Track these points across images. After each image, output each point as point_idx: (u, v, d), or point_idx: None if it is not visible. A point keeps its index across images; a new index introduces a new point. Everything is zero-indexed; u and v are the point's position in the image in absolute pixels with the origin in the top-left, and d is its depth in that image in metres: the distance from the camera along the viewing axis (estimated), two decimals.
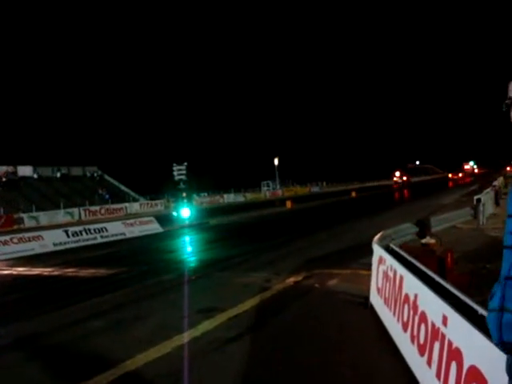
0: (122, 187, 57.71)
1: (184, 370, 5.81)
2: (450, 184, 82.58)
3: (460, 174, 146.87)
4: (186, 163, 29.68)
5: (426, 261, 6.97)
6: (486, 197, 19.71)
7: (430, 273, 5.50)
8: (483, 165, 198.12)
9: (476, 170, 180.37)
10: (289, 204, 42.80)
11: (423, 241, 10.32)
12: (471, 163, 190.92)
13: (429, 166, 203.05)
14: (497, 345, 1.86)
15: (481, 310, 3.62)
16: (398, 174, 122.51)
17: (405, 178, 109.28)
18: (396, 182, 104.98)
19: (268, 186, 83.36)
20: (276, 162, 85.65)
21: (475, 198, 18.32)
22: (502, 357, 2.64)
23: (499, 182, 33.42)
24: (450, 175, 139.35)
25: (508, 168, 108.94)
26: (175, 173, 29.57)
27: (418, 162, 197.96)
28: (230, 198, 67.67)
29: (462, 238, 14.52)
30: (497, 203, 23.35)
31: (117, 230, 23.99)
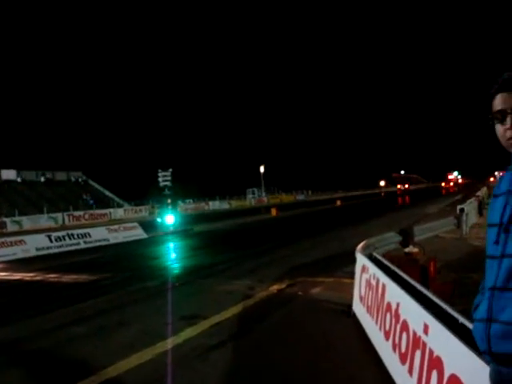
0: (107, 193, 57.47)
1: (166, 377, 5.78)
2: (444, 192, 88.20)
3: (451, 184, 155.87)
4: (171, 169, 29.62)
5: (408, 270, 7.01)
6: (470, 207, 19.85)
7: (412, 282, 5.53)
8: (467, 175, 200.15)
9: (460, 180, 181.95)
10: (274, 212, 42.81)
11: (406, 250, 10.35)
12: (455, 173, 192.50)
13: (414, 176, 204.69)
14: (484, 354, 1.87)
15: (462, 319, 3.64)
16: (383, 183, 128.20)
17: (406, 186, 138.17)
18: (399, 188, 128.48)
19: (253, 193, 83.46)
20: (262, 169, 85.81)
21: (458, 207, 18.44)
22: (482, 366, 2.65)
23: (483, 192, 33.66)
24: (443, 184, 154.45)
25: (492, 179, 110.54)
26: (160, 179, 29.49)
27: (402, 172, 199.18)
28: (215, 205, 67.67)
29: (445, 248, 14.60)
30: (480, 213, 23.54)
31: (100, 235, 23.86)
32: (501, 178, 2.07)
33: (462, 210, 17.79)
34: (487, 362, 1.96)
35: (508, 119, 1.87)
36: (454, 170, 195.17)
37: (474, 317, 1.97)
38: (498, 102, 1.91)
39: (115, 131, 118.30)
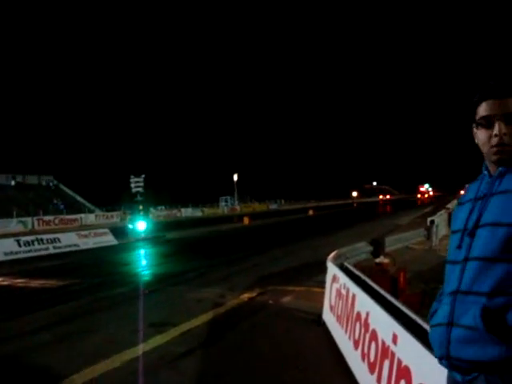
0: (78, 198, 56.86)
1: None
2: (419, 202, 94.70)
3: (426, 195, 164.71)
4: (143, 175, 29.36)
5: (379, 280, 7.05)
6: (440, 219, 20.10)
7: (382, 292, 5.55)
8: (438, 188, 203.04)
9: (431, 193, 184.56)
10: (246, 220, 42.75)
11: (377, 260, 10.44)
12: (426, 186, 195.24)
13: (385, 187, 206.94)
14: (441, 359, 1.86)
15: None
16: (355, 194, 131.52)
17: (388, 197, 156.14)
18: (382, 199, 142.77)
19: (226, 201, 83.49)
20: (235, 177, 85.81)
21: (429, 219, 18.66)
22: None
23: (453, 204, 34.10)
24: (419, 195, 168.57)
25: (462, 192, 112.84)
26: (132, 185, 29.19)
27: (375, 183, 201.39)
28: (187, 212, 67.35)
29: (415, 259, 14.77)
30: (450, 225, 23.83)
31: (70, 240, 23.53)
32: (469, 186, 2.08)
33: (432, 222, 18.00)
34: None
35: (496, 126, 1.87)
36: (425, 183, 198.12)
37: (432, 323, 1.96)
38: (485, 109, 1.92)
39: (88, 136, 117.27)
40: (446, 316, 1.83)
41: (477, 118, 1.97)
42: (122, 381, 5.83)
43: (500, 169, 1.88)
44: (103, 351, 6.89)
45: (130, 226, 29.91)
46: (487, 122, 1.91)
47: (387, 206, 76.40)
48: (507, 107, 1.87)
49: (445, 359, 1.83)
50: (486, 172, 1.97)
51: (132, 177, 29.27)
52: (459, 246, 1.88)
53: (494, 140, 1.87)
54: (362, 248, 11.58)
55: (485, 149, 1.93)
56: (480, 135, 1.95)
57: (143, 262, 19.26)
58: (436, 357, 1.90)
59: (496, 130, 1.87)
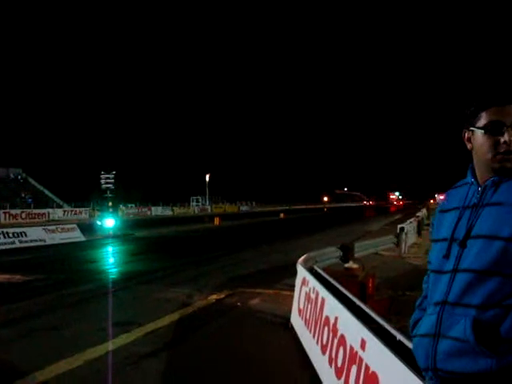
0: (47, 192, 55.91)
1: None
2: (393, 209, 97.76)
3: (401, 202, 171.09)
4: (114, 172, 29.10)
5: (348, 285, 7.06)
6: (410, 226, 20.29)
7: (351, 297, 5.54)
8: (407, 196, 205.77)
9: (401, 202, 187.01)
10: (217, 221, 42.69)
11: (346, 265, 10.46)
12: (396, 193, 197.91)
13: (356, 194, 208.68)
14: (426, 370, 1.82)
15: (399, 336, 3.64)
16: (326, 198, 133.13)
17: (371, 202, 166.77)
18: (365, 204, 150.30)
19: (197, 201, 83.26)
20: (207, 178, 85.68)
21: (399, 226, 18.81)
22: (418, 382, 2.64)
23: (423, 213, 34.53)
24: (394, 202, 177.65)
25: (431, 201, 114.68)
26: (103, 181, 28.93)
27: (346, 189, 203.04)
28: (157, 210, 66.94)
29: (384, 265, 14.86)
30: (419, 233, 24.09)
31: (37, 235, 23.12)
32: (450, 192, 2.05)
33: (402, 229, 18.16)
34: (425, 379, 1.91)
35: (506, 133, 1.81)
36: (395, 191, 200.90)
37: (415, 332, 1.93)
38: (494, 113, 1.85)
39: (59, 130, 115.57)
40: (433, 327, 1.80)
41: (480, 122, 1.89)
42: (85, 380, 5.72)
43: (493, 178, 1.84)
44: (67, 349, 6.73)
45: (99, 223, 29.61)
46: (495, 129, 1.84)
47: (371, 210, 79.21)
48: None
49: (430, 371, 1.79)
50: (472, 179, 1.93)
51: (102, 173, 28.98)
52: (446, 256, 1.84)
53: (503, 147, 1.81)
54: (332, 253, 11.59)
55: (487, 155, 1.85)
56: (482, 141, 1.87)
57: (111, 259, 19.02)
58: (420, 367, 1.87)
59: (506, 138, 1.81)
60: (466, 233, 1.80)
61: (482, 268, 1.71)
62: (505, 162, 1.81)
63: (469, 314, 1.70)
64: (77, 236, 25.07)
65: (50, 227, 24.84)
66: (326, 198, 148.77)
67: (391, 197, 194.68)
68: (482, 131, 1.87)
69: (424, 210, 40.18)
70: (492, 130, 1.84)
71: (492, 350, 1.63)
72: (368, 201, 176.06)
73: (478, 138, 1.89)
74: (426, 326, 1.86)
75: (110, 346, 6.94)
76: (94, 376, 5.82)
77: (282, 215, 59.01)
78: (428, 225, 29.53)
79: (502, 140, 1.81)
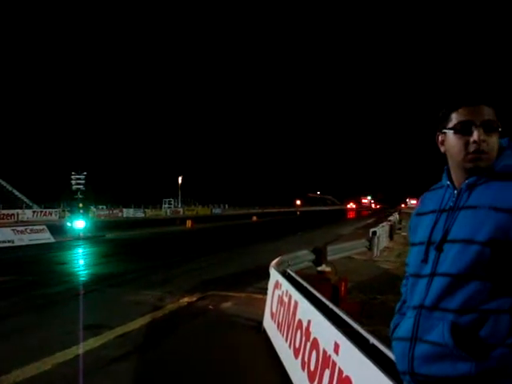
0: (16, 193, 55.04)
1: None
2: (367, 213, 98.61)
3: (378, 206, 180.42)
4: (85, 173, 28.75)
5: (320, 288, 7.03)
6: (382, 230, 20.45)
7: (324, 300, 5.51)
8: (379, 200, 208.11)
9: (373, 205, 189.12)
10: (189, 223, 42.57)
11: (319, 268, 10.47)
12: (369, 197, 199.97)
13: (328, 197, 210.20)
14: (404, 374, 1.81)
15: (372, 339, 3.62)
16: (299, 202, 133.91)
17: (354, 206, 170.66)
18: (350, 208, 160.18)
19: (170, 203, 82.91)
20: (180, 180, 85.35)
21: (371, 230, 18.95)
22: None
23: (394, 217, 34.88)
24: (373, 206, 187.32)
25: (403, 205, 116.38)
26: (73, 182, 28.53)
27: (318, 193, 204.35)
28: (129, 212, 66.46)
29: (356, 269, 14.92)
30: (391, 237, 24.30)
31: (5, 236, 22.68)
32: (426, 195, 2.04)
33: (374, 233, 18.28)
34: (402, 383, 1.89)
35: (475, 132, 1.81)
36: (368, 195, 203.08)
37: (394, 335, 1.92)
38: (463, 114, 1.86)
39: (30, 129, 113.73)
40: (410, 330, 1.80)
41: (451, 123, 1.90)
42: None
43: (468, 181, 1.84)
44: (34, 353, 6.58)
45: (69, 224, 29.22)
46: (464, 128, 1.85)
47: (352, 212, 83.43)
48: (485, 114, 1.83)
49: (408, 375, 1.79)
50: (448, 182, 1.93)
51: (73, 174, 28.61)
52: (424, 260, 1.83)
53: (473, 146, 1.82)
54: (305, 256, 11.60)
55: (459, 156, 1.86)
56: (454, 141, 1.88)
57: (80, 261, 18.74)
58: (398, 371, 1.86)
59: (475, 137, 1.81)
60: (442, 237, 1.80)
61: (459, 272, 1.71)
62: (477, 161, 1.81)
63: (446, 319, 1.69)
64: (46, 237, 24.69)
65: (18, 228, 24.42)
66: (298, 202, 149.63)
67: (363, 201, 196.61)
68: (452, 132, 1.88)
69: (396, 215, 40.60)
70: (462, 129, 1.85)
71: (472, 354, 1.62)
72: (353, 204, 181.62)
73: (449, 139, 1.90)
74: (403, 329, 1.86)
75: (80, 349, 6.81)
76: (63, 380, 5.70)
77: (254, 218, 59.14)
78: (400, 229, 29.87)
79: (472, 139, 1.81)
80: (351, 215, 68.67)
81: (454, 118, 1.88)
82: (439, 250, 1.79)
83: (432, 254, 1.81)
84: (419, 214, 2.00)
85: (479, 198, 1.77)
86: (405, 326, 1.85)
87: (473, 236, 1.70)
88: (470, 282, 1.68)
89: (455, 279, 1.71)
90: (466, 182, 1.83)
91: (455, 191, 1.87)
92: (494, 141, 1.82)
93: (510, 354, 1.60)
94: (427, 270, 1.82)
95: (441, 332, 1.69)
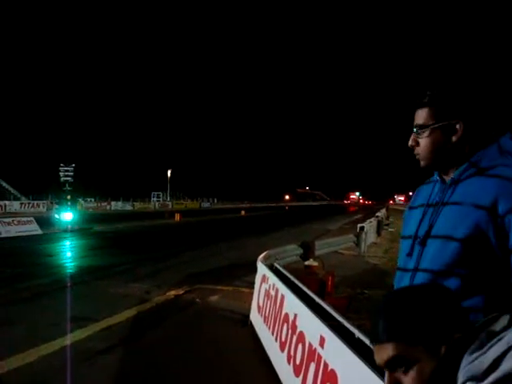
0: (4, 184, 54.57)
1: (49, 380, 5.45)
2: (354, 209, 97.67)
3: (370, 202, 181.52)
4: (73, 165, 28.53)
5: (307, 282, 7.04)
6: (369, 226, 20.51)
7: (311, 294, 5.52)
8: (368, 196, 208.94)
9: (361, 201, 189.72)
10: (178, 217, 42.50)
11: (306, 263, 10.47)
12: (357, 193, 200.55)
13: (317, 193, 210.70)
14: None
15: (358, 334, 3.63)
16: (287, 197, 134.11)
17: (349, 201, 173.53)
18: (348, 203, 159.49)
19: (158, 197, 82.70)
20: (169, 173, 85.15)
21: (359, 226, 19.00)
22: (376, 381, 2.62)
23: (382, 213, 34.98)
24: (366, 202, 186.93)
25: (391, 201, 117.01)
26: (61, 173, 28.31)
27: (307, 188, 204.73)
28: (117, 205, 66.21)
29: (344, 264, 14.96)
30: (378, 233, 24.38)
31: None
32: (420, 188, 2.05)
33: (361, 229, 18.34)
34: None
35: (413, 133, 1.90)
36: (356, 191, 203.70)
37: None
38: (415, 117, 1.91)
39: (19, 120, 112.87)
40: None
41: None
42: (38, 376, 5.55)
43: (453, 176, 1.85)
44: (19, 344, 6.54)
45: (56, 216, 29.02)
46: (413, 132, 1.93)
47: (352, 207, 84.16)
48: (418, 118, 1.88)
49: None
50: (438, 177, 1.94)
51: (61, 165, 28.39)
52: (410, 254, 1.85)
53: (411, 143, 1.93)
54: (292, 250, 11.62)
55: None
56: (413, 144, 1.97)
57: (68, 253, 18.62)
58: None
59: (409, 142, 1.93)
60: (426, 232, 1.81)
61: (439, 269, 1.72)
62: (420, 161, 1.91)
63: None
64: (34, 229, 24.51)
65: (5, 219, 24.20)
66: (287, 197, 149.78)
67: (352, 197, 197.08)
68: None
69: (383, 210, 40.74)
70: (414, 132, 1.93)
71: None
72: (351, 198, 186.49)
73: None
74: None
75: (65, 341, 6.79)
76: (48, 371, 5.68)
77: (243, 213, 59.10)
78: (387, 225, 29.99)
79: (412, 138, 1.92)
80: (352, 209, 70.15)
81: (416, 120, 1.94)
82: (423, 244, 1.80)
83: (417, 249, 1.82)
84: (411, 208, 2.02)
85: (463, 194, 1.77)
86: None
87: (452, 233, 1.71)
88: (448, 279, 1.69)
89: (435, 276, 1.72)
90: (452, 177, 1.85)
91: (443, 186, 1.88)
92: (421, 142, 1.89)
93: None
94: (411, 264, 1.83)
95: None
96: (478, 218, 1.67)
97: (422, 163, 1.89)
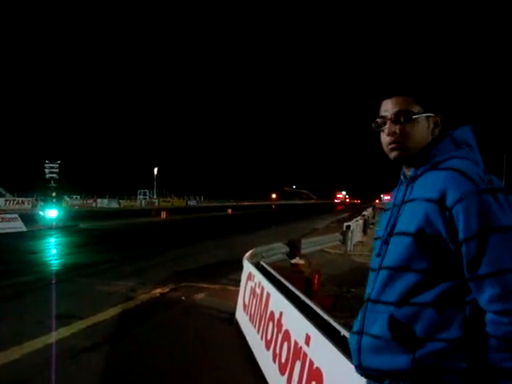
0: None
1: (33, 378, 5.39)
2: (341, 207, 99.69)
3: (358, 201, 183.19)
4: (59, 161, 28.35)
5: (293, 280, 7.03)
6: (355, 224, 20.56)
7: (297, 292, 5.51)
8: (354, 195, 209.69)
9: (347, 200, 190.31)
10: (164, 215, 42.40)
11: (293, 261, 10.48)
12: (343, 192, 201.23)
13: (304, 191, 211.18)
14: (356, 368, 1.84)
15: (343, 331, 3.62)
16: (274, 196, 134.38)
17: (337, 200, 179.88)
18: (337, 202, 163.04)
19: (145, 194, 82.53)
20: (155, 171, 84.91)
21: (345, 224, 19.04)
22: (362, 380, 2.61)
23: (368, 212, 35.11)
24: (355, 201, 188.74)
25: (377, 201, 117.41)
26: (47, 170, 28.12)
27: (294, 187, 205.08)
28: (103, 203, 65.96)
29: (330, 262, 15.00)
30: (364, 232, 24.45)
31: None
32: (394, 191, 2.05)
33: (348, 227, 18.38)
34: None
35: (387, 125, 1.86)
36: (343, 190, 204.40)
37: (352, 330, 1.95)
38: (381, 109, 1.91)
39: (3, 117, 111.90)
40: (359, 324, 1.83)
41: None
42: (21, 374, 5.49)
43: (410, 173, 1.87)
44: (3, 342, 6.47)
45: (41, 213, 28.85)
46: (383, 124, 1.90)
47: (339, 206, 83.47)
48: (397, 106, 1.85)
49: (358, 368, 1.82)
50: (402, 178, 1.96)
51: (47, 162, 28.20)
52: (378, 254, 1.86)
53: (387, 139, 1.87)
54: (279, 248, 11.62)
55: (384, 148, 1.91)
56: (381, 137, 1.93)
57: (52, 250, 18.49)
58: (353, 364, 1.88)
59: (386, 130, 1.86)
60: (389, 231, 1.83)
61: (395, 265, 1.74)
62: (392, 151, 1.87)
63: (387, 311, 1.72)
64: (18, 226, 24.33)
65: None
66: (274, 196, 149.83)
67: (338, 196, 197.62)
68: (379, 127, 1.93)
69: (370, 209, 40.89)
70: (381, 124, 1.90)
71: (408, 347, 1.65)
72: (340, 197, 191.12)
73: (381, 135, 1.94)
74: (355, 323, 1.89)
75: (49, 339, 6.74)
76: (31, 369, 5.61)
77: (229, 211, 59.06)
78: (373, 224, 30.11)
79: (385, 133, 1.87)
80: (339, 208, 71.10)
81: (380, 112, 1.93)
82: (386, 243, 1.82)
83: (383, 249, 1.84)
84: (385, 210, 2.03)
85: (418, 190, 1.79)
86: (356, 320, 1.88)
87: (407, 228, 1.73)
88: (404, 274, 1.71)
89: (393, 272, 1.74)
90: (410, 174, 1.87)
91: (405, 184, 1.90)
92: (408, 130, 1.84)
93: (443, 348, 1.61)
94: (377, 263, 1.84)
95: (381, 325, 1.71)
96: (428, 211, 1.68)
97: (399, 154, 1.85)
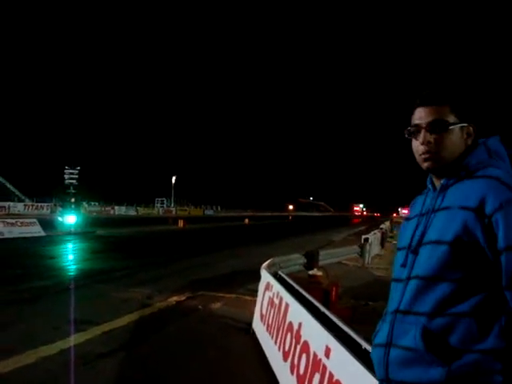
0: (8, 185, 54.75)
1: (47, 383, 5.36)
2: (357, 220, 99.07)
3: (377, 214, 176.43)
4: (78, 168, 28.62)
5: (311, 292, 6.94)
6: (373, 237, 20.42)
7: (316, 303, 5.43)
8: (371, 208, 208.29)
9: (365, 213, 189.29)
10: (181, 223, 42.52)
11: (310, 272, 10.39)
12: (361, 205, 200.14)
13: (321, 203, 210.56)
14: (381, 382, 1.78)
15: (364, 345, 3.54)
16: (291, 207, 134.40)
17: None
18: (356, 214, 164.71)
19: (162, 203, 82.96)
20: (173, 180, 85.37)
21: (363, 237, 18.93)
22: None
23: (386, 225, 34.89)
24: (374, 214, 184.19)
25: (394, 214, 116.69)
26: (66, 176, 28.41)
27: (311, 198, 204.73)
28: (121, 210, 66.41)
29: (347, 274, 14.86)
30: (382, 245, 24.26)
31: None
32: (415, 200, 2.02)
33: (366, 240, 18.26)
34: None
35: (421, 134, 1.83)
36: (360, 202, 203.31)
37: (374, 342, 1.89)
38: (415, 117, 1.88)
39: (24, 122, 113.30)
40: (385, 336, 1.77)
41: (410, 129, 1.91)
42: (36, 378, 5.48)
43: (442, 182, 1.83)
44: (18, 346, 6.47)
45: (60, 219, 29.07)
46: (416, 132, 1.86)
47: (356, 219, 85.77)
48: (432, 115, 1.82)
49: (385, 381, 1.75)
50: (430, 186, 1.92)
51: (66, 168, 28.46)
52: (404, 264, 1.81)
53: (420, 148, 1.83)
54: (296, 259, 11.52)
55: (416, 157, 1.88)
56: (412, 145, 1.89)
57: (70, 256, 18.61)
58: (377, 379, 1.82)
59: (419, 139, 1.83)
60: (418, 240, 1.78)
61: (429, 274, 1.69)
62: (426, 162, 1.83)
63: (419, 323, 1.66)
64: (36, 231, 24.58)
65: (8, 220, 24.33)
66: (291, 207, 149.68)
67: (355, 209, 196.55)
68: (411, 136, 1.90)
69: (387, 223, 40.63)
70: (414, 133, 1.87)
71: (443, 359, 1.59)
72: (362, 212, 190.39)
73: (412, 144, 1.91)
74: (380, 335, 1.83)
75: (64, 344, 6.71)
76: (46, 374, 5.60)
77: (246, 221, 59.09)
78: (391, 237, 29.90)
79: (419, 142, 1.84)
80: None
81: (411, 122, 1.90)
82: (415, 253, 1.78)
83: (410, 259, 1.80)
84: (407, 219, 1.99)
85: (452, 198, 1.75)
86: (382, 332, 1.83)
87: (441, 237, 1.68)
88: (438, 284, 1.66)
89: (426, 282, 1.69)
90: (441, 183, 1.83)
91: (435, 193, 1.87)
92: (443, 139, 1.81)
93: (479, 360, 1.57)
94: (405, 274, 1.80)
95: (413, 336, 1.66)
96: (465, 219, 1.64)
97: (432, 164, 1.82)
